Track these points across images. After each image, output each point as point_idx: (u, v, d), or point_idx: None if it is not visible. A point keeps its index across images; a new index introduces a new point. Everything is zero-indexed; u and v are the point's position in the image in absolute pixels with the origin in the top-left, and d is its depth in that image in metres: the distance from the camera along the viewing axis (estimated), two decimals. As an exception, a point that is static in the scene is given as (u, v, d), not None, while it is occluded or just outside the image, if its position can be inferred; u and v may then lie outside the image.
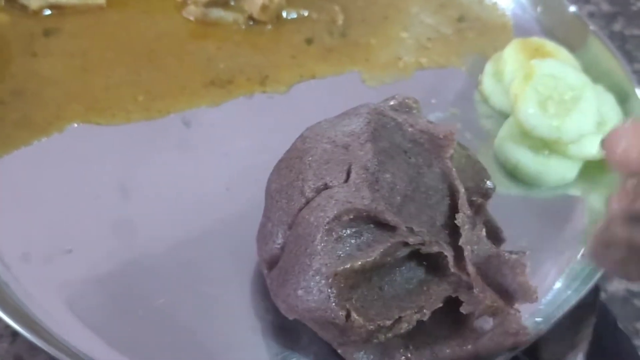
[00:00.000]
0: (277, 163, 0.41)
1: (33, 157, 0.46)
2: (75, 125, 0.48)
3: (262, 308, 0.42)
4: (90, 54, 0.52)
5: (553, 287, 0.45)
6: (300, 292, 0.37)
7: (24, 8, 0.53)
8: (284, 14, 0.57)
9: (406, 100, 0.42)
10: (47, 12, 0.54)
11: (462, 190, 0.39)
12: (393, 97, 0.42)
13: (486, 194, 0.41)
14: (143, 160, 0.47)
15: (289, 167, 0.40)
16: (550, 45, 0.56)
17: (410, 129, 0.40)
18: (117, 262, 0.42)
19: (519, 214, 0.49)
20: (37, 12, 0.53)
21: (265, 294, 0.41)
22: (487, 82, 0.55)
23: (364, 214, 0.36)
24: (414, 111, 0.42)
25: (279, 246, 0.39)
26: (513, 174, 0.51)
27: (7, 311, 0.37)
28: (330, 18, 0.58)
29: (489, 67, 0.56)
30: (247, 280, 0.43)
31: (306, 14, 0.58)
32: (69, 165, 0.46)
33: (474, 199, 0.40)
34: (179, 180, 0.46)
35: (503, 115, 0.54)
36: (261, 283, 0.42)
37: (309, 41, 0.56)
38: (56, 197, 0.44)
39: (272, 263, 0.39)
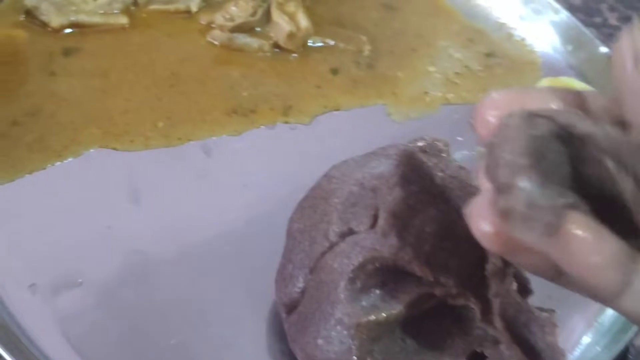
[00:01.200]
0: (300, 201, 0.40)
1: (46, 182, 0.44)
2: (92, 150, 0.46)
3: (277, 351, 0.40)
4: (110, 75, 0.51)
5: (581, 342, 0.43)
6: (320, 341, 0.35)
7: (44, 25, 0.52)
8: (310, 43, 0.56)
9: (436, 143, 0.40)
10: (68, 30, 0.52)
11: (492, 240, 0.37)
12: (422, 138, 0.41)
13: (517, 244, 0.39)
14: (160, 189, 0.45)
15: (313, 208, 0.38)
16: (579, 84, 0.54)
17: (440, 174, 0.38)
18: (128, 297, 0.40)
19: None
20: (58, 31, 0.52)
21: (281, 336, 0.39)
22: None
23: (390, 262, 0.35)
24: (444, 154, 0.40)
25: (299, 290, 0.37)
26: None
27: (8, 347, 0.35)
28: (357, 48, 0.56)
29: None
30: (263, 320, 0.41)
31: (332, 43, 0.56)
32: (82, 192, 0.44)
33: (505, 249, 0.38)
34: (197, 211, 0.45)
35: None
36: (277, 325, 0.40)
37: (334, 71, 0.55)
38: (68, 225, 0.43)
39: (291, 307, 0.38)
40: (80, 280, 0.40)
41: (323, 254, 0.36)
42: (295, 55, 0.55)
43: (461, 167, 0.39)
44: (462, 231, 0.37)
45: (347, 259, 0.35)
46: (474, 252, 0.37)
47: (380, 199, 0.36)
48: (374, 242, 0.35)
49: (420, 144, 0.40)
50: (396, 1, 0.62)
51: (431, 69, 0.57)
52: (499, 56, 0.60)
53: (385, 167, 0.38)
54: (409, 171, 0.38)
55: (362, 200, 0.36)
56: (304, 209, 0.38)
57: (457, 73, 0.57)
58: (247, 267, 0.43)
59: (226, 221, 0.45)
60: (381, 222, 0.36)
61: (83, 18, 0.52)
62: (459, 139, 0.53)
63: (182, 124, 0.49)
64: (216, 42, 0.54)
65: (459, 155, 0.51)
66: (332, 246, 0.36)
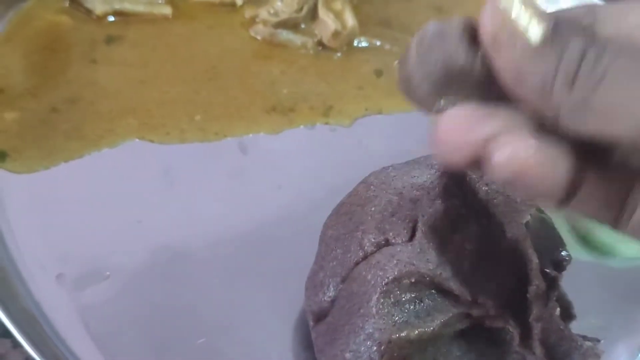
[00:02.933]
0: (336, 207, 0.38)
1: (81, 172, 0.44)
2: (128, 141, 0.46)
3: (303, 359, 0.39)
4: (150, 65, 0.50)
5: (623, 374, 0.41)
6: (348, 355, 0.33)
7: (88, 12, 0.51)
8: (355, 43, 0.54)
9: (481, 156, 0.38)
10: (111, 18, 0.52)
11: (535, 260, 0.35)
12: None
13: (560, 266, 0.37)
14: (193, 186, 0.45)
15: (349, 215, 0.37)
16: None
17: (484, 188, 0.36)
18: (155, 294, 0.40)
19: (589, 285, 0.45)
20: (101, 18, 0.51)
21: (308, 344, 0.38)
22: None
23: (427, 278, 0.33)
24: (490, 167, 0.38)
25: (329, 299, 0.36)
26: (584, 241, 0.47)
27: (29, 337, 0.35)
28: (404, 51, 0.55)
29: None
30: (290, 327, 0.40)
31: (378, 44, 0.55)
32: (116, 184, 0.44)
33: (548, 270, 0.36)
34: (229, 210, 0.44)
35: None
36: (305, 332, 0.39)
37: (378, 73, 0.53)
38: (100, 216, 0.42)
39: (320, 316, 0.36)
40: (108, 273, 0.40)
41: (357, 263, 0.35)
42: (339, 54, 0.54)
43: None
44: (504, 250, 0.36)
45: (381, 271, 0.33)
46: (516, 272, 0.36)
47: (420, 211, 0.35)
48: (411, 256, 0.33)
49: (464, 154, 0.39)
50: (446, 3, 0.60)
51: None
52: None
53: (426, 177, 0.36)
54: (452, 183, 0.36)
55: (401, 211, 0.35)
56: (340, 216, 0.37)
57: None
58: (278, 271, 0.42)
59: (259, 222, 0.43)
60: (419, 235, 0.34)
61: (127, 6, 0.52)
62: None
63: (219, 119, 0.48)
64: (258, 37, 0.53)
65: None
66: (366, 256, 0.35)
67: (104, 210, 0.42)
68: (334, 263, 0.36)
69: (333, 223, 0.37)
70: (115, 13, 0.52)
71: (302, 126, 0.49)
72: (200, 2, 0.54)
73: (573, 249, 0.45)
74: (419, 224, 0.34)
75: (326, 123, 0.50)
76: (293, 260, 0.40)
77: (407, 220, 0.35)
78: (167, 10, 0.53)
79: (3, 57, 0.48)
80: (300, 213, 0.44)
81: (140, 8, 0.52)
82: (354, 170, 0.43)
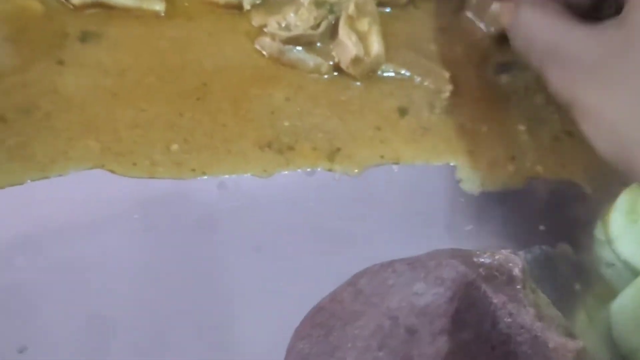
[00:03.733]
0: (313, 310, 0.30)
1: (16, 201, 0.36)
2: (83, 169, 0.38)
3: None
4: (128, 74, 0.41)
5: None
6: None
7: (65, 1, 0.43)
8: (380, 72, 0.45)
9: (508, 265, 0.29)
10: (91, 10, 0.43)
11: None
12: (492, 253, 0.30)
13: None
14: (149, 237, 0.36)
15: (327, 329, 0.28)
16: None
17: (507, 320, 0.28)
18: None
19: None
20: (79, 9, 0.43)
21: None
22: (616, 219, 0.42)
23: None
24: (518, 286, 0.29)
25: None
26: (629, 357, 0.38)
27: None
28: (435, 87, 0.45)
29: (622, 200, 0.42)
30: None
31: (407, 74, 0.45)
32: (55, 225, 0.36)
33: None
34: (186, 273, 0.36)
35: (631, 270, 0.40)
36: None
37: (402, 111, 0.44)
38: (23, 270, 0.34)
39: None
40: (23, 343, 0.32)
41: (325, 401, 0.26)
42: (358, 83, 0.44)
43: (538, 316, 0.28)
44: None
45: None
46: None
47: (417, 348, 0.26)
48: (396, 411, 0.25)
49: (485, 261, 0.30)
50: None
51: (522, 127, 0.46)
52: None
53: (432, 297, 0.27)
54: (465, 310, 0.27)
55: (392, 343, 0.26)
56: (314, 326, 0.29)
57: (555, 138, 0.46)
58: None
59: (225, 297, 0.35)
60: (411, 382, 0.26)
61: (112, -3, 0.43)
62: (541, 228, 0.42)
63: (200, 152, 0.40)
64: (264, 52, 0.44)
65: (537, 251, 0.41)
66: (338, 397, 0.26)
67: (35, 259, 0.34)
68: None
69: (305, 333, 0.29)
70: (96, 4, 0.43)
71: (299, 170, 0.41)
72: (201, 0, 0.45)
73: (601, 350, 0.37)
74: (413, 367, 0.26)
75: (330, 169, 0.41)
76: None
77: (400, 357, 0.26)
78: (160, 6, 0.44)
79: (-48, 45, 0.40)
80: (275, 293, 0.35)
81: (127, 1, 0.43)
82: (354, 238, 0.37)
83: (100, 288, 0.35)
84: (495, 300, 0.28)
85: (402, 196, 0.41)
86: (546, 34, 0.36)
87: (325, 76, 0.44)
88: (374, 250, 0.38)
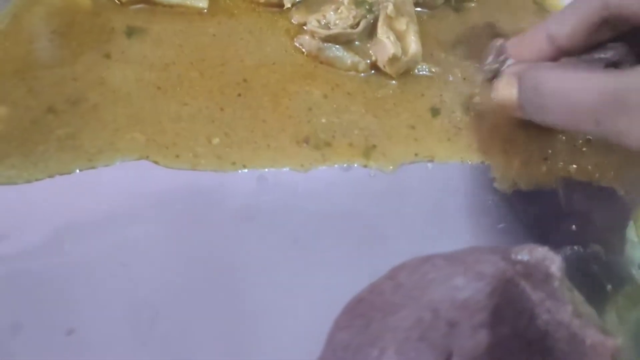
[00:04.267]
0: (352, 301, 0.31)
1: (65, 191, 0.37)
2: (128, 160, 0.39)
3: None
4: (171, 69, 0.43)
5: None
6: None
7: (112, -4, 0.44)
8: (416, 70, 0.46)
9: (546, 263, 0.30)
10: (137, 6, 0.45)
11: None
12: (530, 250, 0.31)
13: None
14: (191, 228, 0.38)
15: (367, 320, 0.29)
16: None
17: (545, 316, 0.28)
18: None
19: None
20: (125, 4, 0.44)
21: None
22: (651, 222, 0.43)
23: None
24: (556, 283, 0.30)
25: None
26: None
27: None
28: (470, 87, 0.46)
29: (656, 201, 0.43)
30: None
31: (442, 73, 0.46)
32: (101, 213, 0.37)
33: None
34: (226, 264, 0.37)
35: (663, 273, 0.41)
36: None
37: (434, 112, 0.45)
38: (71, 256, 0.35)
39: None
40: (70, 326, 0.33)
41: (366, 388, 0.27)
42: (394, 82, 0.45)
43: (576, 314, 0.29)
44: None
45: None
46: None
47: (457, 340, 0.27)
48: (436, 400, 0.26)
49: (523, 258, 0.30)
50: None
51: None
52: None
53: (472, 291, 0.28)
54: (504, 305, 0.28)
55: (432, 335, 0.27)
56: (355, 317, 0.30)
57: (587, 140, 0.46)
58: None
59: (260, 286, 0.36)
60: (451, 373, 0.26)
61: (157, -7, 0.44)
62: (573, 227, 0.42)
63: (240, 146, 0.41)
64: (303, 50, 0.45)
65: (568, 250, 0.41)
66: (379, 384, 0.27)
67: (82, 246, 0.36)
68: (340, 375, 0.29)
69: (345, 324, 0.30)
70: (143, 0, 0.44)
71: (336, 165, 0.42)
72: (243, -2, 0.46)
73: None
74: (454, 358, 0.26)
75: (365, 165, 0.42)
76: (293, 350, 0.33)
77: (439, 351, 0.27)
78: (204, 2, 0.45)
79: (3, 37, 0.41)
80: (311, 284, 0.36)
81: (172, -3, 0.45)
82: (388, 232, 0.37)
83: (143, 275, 0.36)
84: (533, 297, 0.28)
85: (436, 193, 0.42)
86: (595, 90, 0.33)
87: (362, 74, 0.45)
88: (408, 244, 0.39)
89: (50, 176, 0.37)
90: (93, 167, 0.38)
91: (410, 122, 0.44)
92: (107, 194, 0.38)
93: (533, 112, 0.38)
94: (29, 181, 0.37)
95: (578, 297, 0.31)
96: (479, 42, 0.48)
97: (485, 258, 0.29)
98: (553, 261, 0.30)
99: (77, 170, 0.38)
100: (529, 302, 0.28)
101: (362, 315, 0.29)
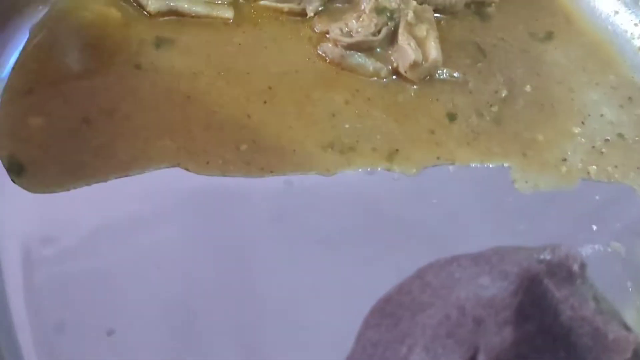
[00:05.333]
0: (381, 300, 0.32)
1: (101, 196, 0.39)
2: (161, 167, 0.40)
3: None
4: (200, 78, 0.44)
5: None
6: None
7: (140, 8, 0.46)
8: (437, 74, 0.47)
9: (569, 262, 0.31)
10: (165, 18, 0.46)
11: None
12: (552, 249, 0.32)
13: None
14: (222, 230, 0.39)
15: (395, 318, 0.30)
16: None
17: (569, 312, 0.29)
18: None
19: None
20: (154, 16, 0.46)
21: None
22: (670, 220, 0.43)
23: None
24: (578, 281, 0.31)
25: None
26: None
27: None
28: (488, 92, 0.47)
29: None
30: None
31: (461, 79, 0.47)
32: (136, 219, 0.38)
33: None
34: (258, 262, 0.38)
35: (682, 270, 0.42)
36: None
37: (451, 117, 0.46)
38: (109, 258, 0.37)
39: None
40: (111, 326, 0.35)
41: (396, 384, 0.29)
42: (414, 87, 0.46)
43: (598, 310, 0.30)
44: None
45: (425, 408, 0.27)
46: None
47: (483, 337, 0.28)
48: (464, 395, 0.27)
49: (546, 257, 0.31)
50: (553, 32, 0.52)
51: (575, 130, 0.47)
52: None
53: (497, 290, 0.29)
54: (529, 303, 0.29)
55: (459, 332, 0.28)
56: (384, 316, 0.31)
57: (606, 140, 0.47)
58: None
59: (287, 284, 0.38)
60: (479, 368, 0.27)
61: (183, 6, 0.46)
62: (593, 227, 0.43)
63: (267, 152, 0.42)
64: (327, 57, 0.46)
65: (587, 249, 0.42)
66: (409, 379, 0.28)
67: (118, 249, 0.37)
68: (370, 373, 0.30)
69: (375, 322, 0.31)
70: (170, 12, 0.46)
71: (360, 169, 0.43)
72: (266, 8, 0.48)
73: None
74: (480, 355, 0.28)
75: (389, 169, 0.43)
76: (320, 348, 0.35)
77: (466, 347, 0.28)
78: (229, 13, 0.47)
79: (38, 49, 0.43)
80: (339, 283, 0.37)
81: (198, 9, 0.46)
82: (412, 234, 0.38)
83: (178, 275, 0.37)
84: (557, 295, 0.29)
85: (458, 195, 0.43)
86: None
87: (384, 80, 0.46)
88: (432, 245, 0.40)
89: (87, 184, 0.39)
90: (127, 175, 0.40)
91: (429, 127, 0.45)
92: (140, 199, 0.39)
93: None
94: (67, 189, 0.39)
95: (600, 294, 0.32)
96: (503, 44, 0.49)
97: (509, 258, 0.30)
98: (575, 260, 0.31)
99: (113, 178, 0.40)
100: (553, 300, 0.29)
101: (391, 314, 0.31)
